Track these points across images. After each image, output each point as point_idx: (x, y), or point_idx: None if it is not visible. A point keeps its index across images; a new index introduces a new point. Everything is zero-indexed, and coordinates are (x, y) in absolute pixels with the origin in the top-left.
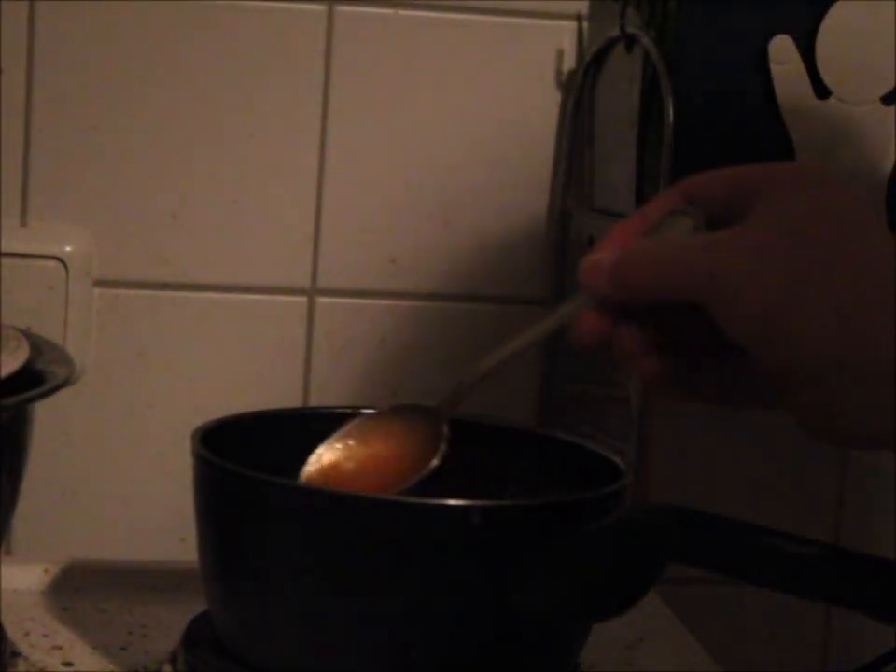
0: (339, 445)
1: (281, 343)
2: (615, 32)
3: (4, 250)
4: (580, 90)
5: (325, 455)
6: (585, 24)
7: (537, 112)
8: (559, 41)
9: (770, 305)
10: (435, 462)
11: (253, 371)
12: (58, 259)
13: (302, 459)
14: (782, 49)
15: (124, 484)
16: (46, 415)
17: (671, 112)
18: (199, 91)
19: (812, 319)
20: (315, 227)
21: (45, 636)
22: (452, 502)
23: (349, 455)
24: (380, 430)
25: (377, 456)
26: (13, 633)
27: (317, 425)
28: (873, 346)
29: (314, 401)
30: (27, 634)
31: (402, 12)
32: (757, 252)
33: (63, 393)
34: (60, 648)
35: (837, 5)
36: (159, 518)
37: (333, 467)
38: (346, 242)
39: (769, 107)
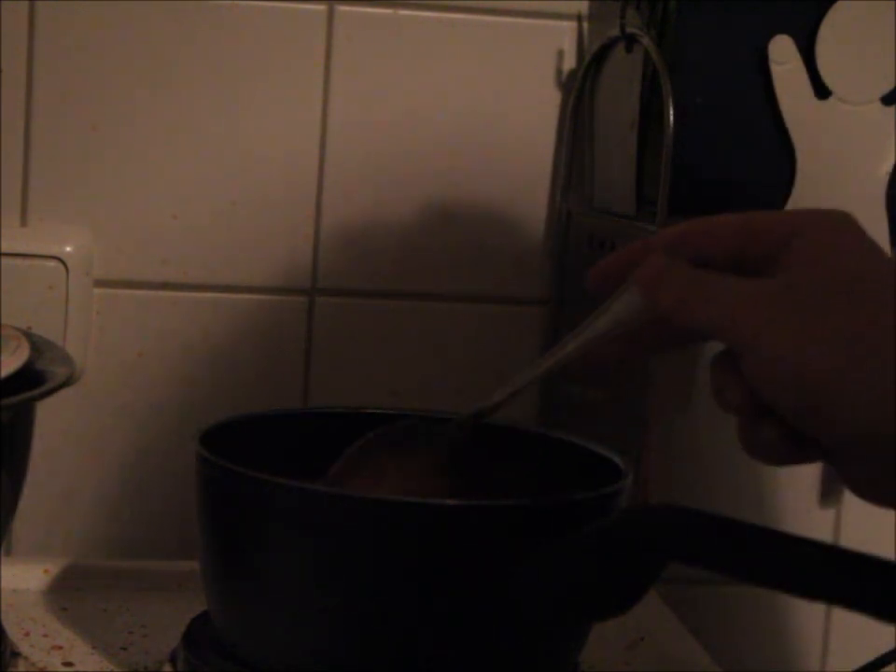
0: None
1: (281, 343)
2: (615, 32)
3: (4, 250)
4: (580, 90)
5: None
6: (585, 24)
7: (537, 112)
8: (559, 41)
9: (817, 374)
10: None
11: (253, 371)
12: (58, 258)
13: (302, 459)
14: (782, 48)
15: (124, 484)
16: (46, 415)
17: (671, 112)
18: (199, 90)
19: (862, 392)
20: (315, 227)
21: (45, 636)
22: (452, 502)
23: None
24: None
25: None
26: (13, 633)
27: (317, 425)
28: None
29: (314, 401)
30: (27, 634)
31: (402, 12)
32: (798, 311)
33: (62, 393)
34: (60, 648)
35: (837, 5)
36: (159, 518)
37: None
38: (346, 242)
39: (769, 107)
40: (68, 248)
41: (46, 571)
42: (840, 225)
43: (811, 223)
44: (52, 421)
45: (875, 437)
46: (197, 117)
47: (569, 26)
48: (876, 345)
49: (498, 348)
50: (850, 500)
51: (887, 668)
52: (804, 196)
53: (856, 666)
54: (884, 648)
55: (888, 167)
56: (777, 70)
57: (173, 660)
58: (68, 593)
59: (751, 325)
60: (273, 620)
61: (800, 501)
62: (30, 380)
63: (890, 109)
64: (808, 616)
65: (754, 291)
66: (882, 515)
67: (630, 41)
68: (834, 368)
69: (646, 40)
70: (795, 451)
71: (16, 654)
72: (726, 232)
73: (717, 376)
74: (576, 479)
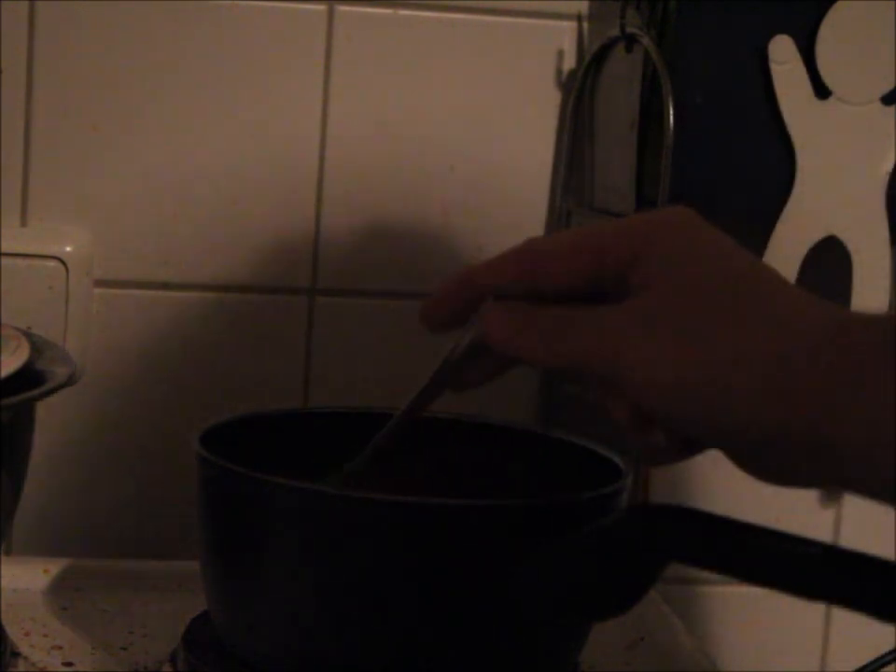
0: None
1: (281, 342)
2: (615, 32)
3: (4, 250)
4: (580, 90)
5: None
6: (585, 24)
7: (537, 112)
8: (559, 41)
9: (684, 383)
10: None
11: (253, 371)
12: (58, 259)
13: (302, 459)
14: (782, 48)
15: (124, 484)
16: (46, 415)
17: (671, 112)
18: (199, 90)
19: (736, 395)
20: (315, 227)
21: (45, 636)
22: (452, 502)
23: None
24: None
25: None
26: (13, 633)
27: (317, 425)
28: (795, 403)
29: (314, 401)
30: (27, 634)
31: (402, 12)
32: (662, 326)
33: (62, 393)
34: (60, 648)
35: (837, 5)
36: (159, 518)
37: None
38: (346, 242)
39: (769, 107)
40: (68, 248)
41: (46, 571)
42: (680, 227)
43: (652, 231)
44: (52, 421)
45: (756, 433)
46: (197, 117)
47: (569, 26)
48: (736, 348)
49: None
50: (850, 500)
51: (887, 668)
52: (804, 196)
53: (856, 666)
54: (884, 648)
55: (888, 167)
56: (776, 70)
57: (173, 660)
58: (68, 593)
59: (616, 351)
60: (273, 620)
61: (800, 501)
62: (30, 380)
63: (890, 109)
64: (808, 616)
65: (610, 318)
66: (882, 515)
67: (630, 41)
68: (701, 379)
69: (646, 40)
70: (683, 450)
71: (16, 654)
72: (572, 257)
73: (600, 397)
74: (576, 479)
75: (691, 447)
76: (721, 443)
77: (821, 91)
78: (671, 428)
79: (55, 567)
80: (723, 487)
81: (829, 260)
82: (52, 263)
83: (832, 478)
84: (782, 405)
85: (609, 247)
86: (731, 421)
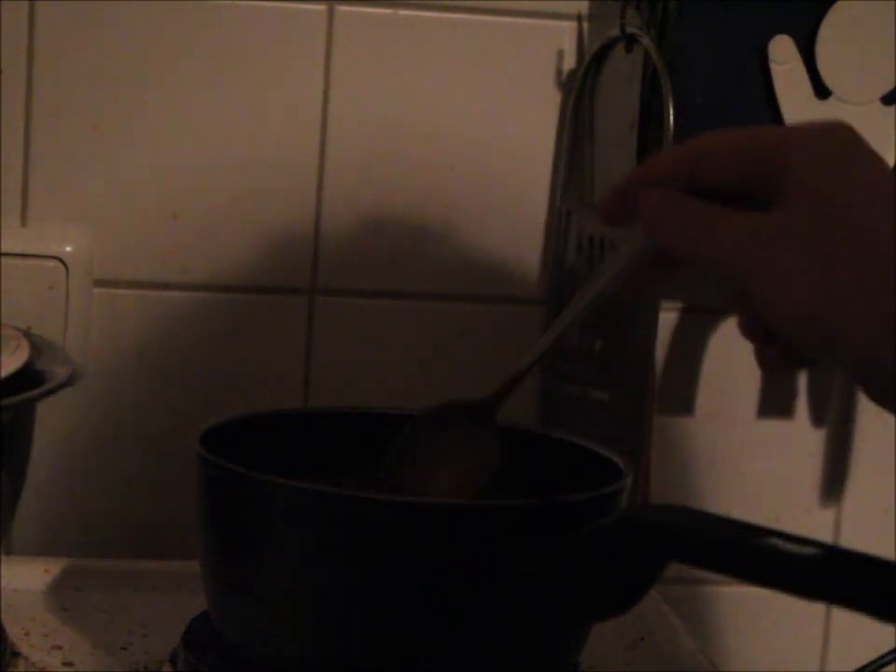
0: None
1: (281, 342)
2: (615, 32)
3: (4, 250)
4: (580, 90)
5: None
6: (585, 24)
7: (537, 112)
8: (559, 41)
9: (817, 305)
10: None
11: (253, 371)
12: (58, 258)
13: (302, 459)
14: (782, 48)
15: (124, 484)
16: (46, 415)
17: (671, 112)
18: (199, 90)
19: (867, 320)
20: (315, 227)
21: (45, 636)
22: (452, 502)
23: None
24: (429, 442)
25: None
26: (13, 633)
27: (317, 425)
28: None
29: (314, 401)
30: (27, 634)
31: (402, 12)
32: (803, 247)
33: (63, 393)
34: (60, 648)
35: (837, 5)
36: (159, 518)
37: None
38: (346, 242)
39: (769, 108)
40: (68, 248)
41: (46, 571)
42: (841, 144)
43: (811, 142)
44: (52, 421)
45: (878, 361)
46: (197, 116)
47: (569, 26)
48: (875, 272)
49: (498, 348)
50: (850, 500)
51: (887, 668)
52: None
53: (856, 666)
54: (884, 648)
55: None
56: (776, 70)
57: (173, 660)
58: (68, 593)
59: (754, 262)
60: (273, 620)
61: (800, 501)
62: (30, 380)
63: (890, 109)
64: (808, 616)
65: (756, 227)
66: (882, 515)
67: (630, 41)
68: (835, 298)
69: (646, 40)
70: (798, 365)
71: (16, 654)
72: (726, 157)
73: (735, 307)
74: (576, 479)
75: (805, 362)
76: (839, 363)
77: (821, 91)
78: (791, 345)
79: (55, 566)
80: (722, 487)
81: None
82: (52, 263)
83: None
84: None
85: (767, 149)
86: (861, 349)
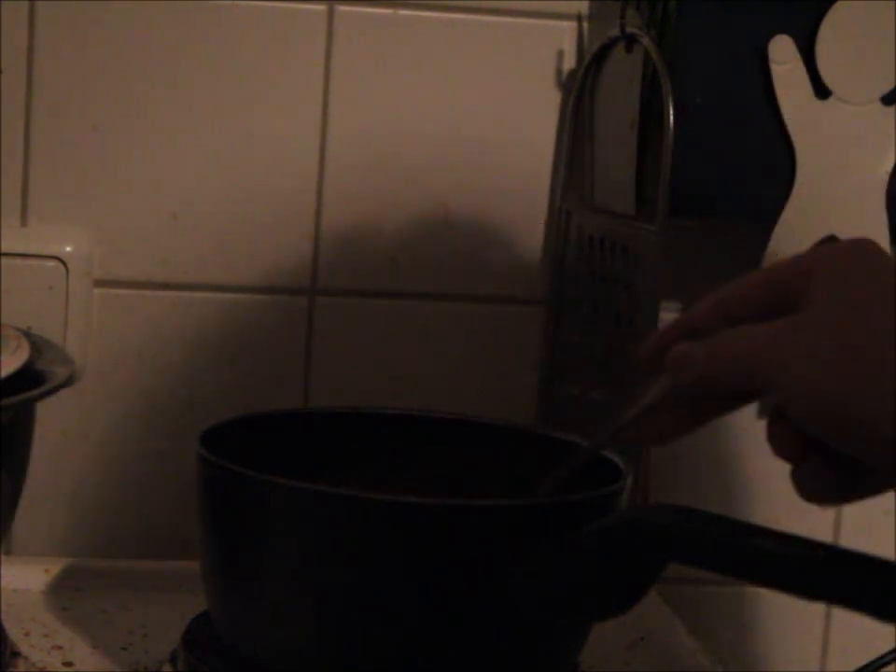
0: None
1: (281, 342)
2: (615, 32)
3: (4, 250)
4: (580, 90)
5: None
6: (585, 24)
7: (537, 112)
8: (559, 41)
9: (847, 398)
10: None
11: (253, 371)
12: (58, 258)
13: (302, 459)
14: (782, 48)
15: (125, 484)
16: (46, 415)
17: (671, 112)
18: (199, 90)
19: (881, 401)
20: (315, 227)
21: (45, 636)
22: (452, 502)
23: None
24: None
25: None
26: (13, 633)
27: (317, 425)
28: None
29: (314, 401)
30: (27, 634)
31: (402, 12)
32: (825, 339)
33: (62, 393)
34: (60, 648)
35: (837, 5)
36: (159, 518)
37: None
38: (346, 242)
39: (769, 107)
40: (68, 248)
41: (46, 571)
42: (854, 252)
43: (829, 256)
44: (52, 421)
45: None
46: (197, 117)
47: (569, 26)
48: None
49: (498, 348)
50: None
51: (887, 668)
52: (804, 196)
53: (856, 666)
54: (884, 648)
55: (888, 167)
56: (776, 70)
57: (173, 660)
58: (68, 593)
59: (777, 360)
60: (273, 620)
61: (800, 501)
62: (30, 380)
63: (890, 109)
64: (808, 616)
65: (775, 329)
66: (882, 515)
67: (630, 41)
68: (860, 390)
69: (646, 40)
70: (850, 483)
71: (16, 654)
72: (752, 292)
73: (769, 427)
74: (576, 479)
75: (857, 481)
76: (880, 460)
77: (821, 91)
78: (826, 450)
79: (55, 566)
80: (722, 487)
81: None
82: (52, 263)
83: None
84: None
85: (784, 271)
86: (883, 439)
